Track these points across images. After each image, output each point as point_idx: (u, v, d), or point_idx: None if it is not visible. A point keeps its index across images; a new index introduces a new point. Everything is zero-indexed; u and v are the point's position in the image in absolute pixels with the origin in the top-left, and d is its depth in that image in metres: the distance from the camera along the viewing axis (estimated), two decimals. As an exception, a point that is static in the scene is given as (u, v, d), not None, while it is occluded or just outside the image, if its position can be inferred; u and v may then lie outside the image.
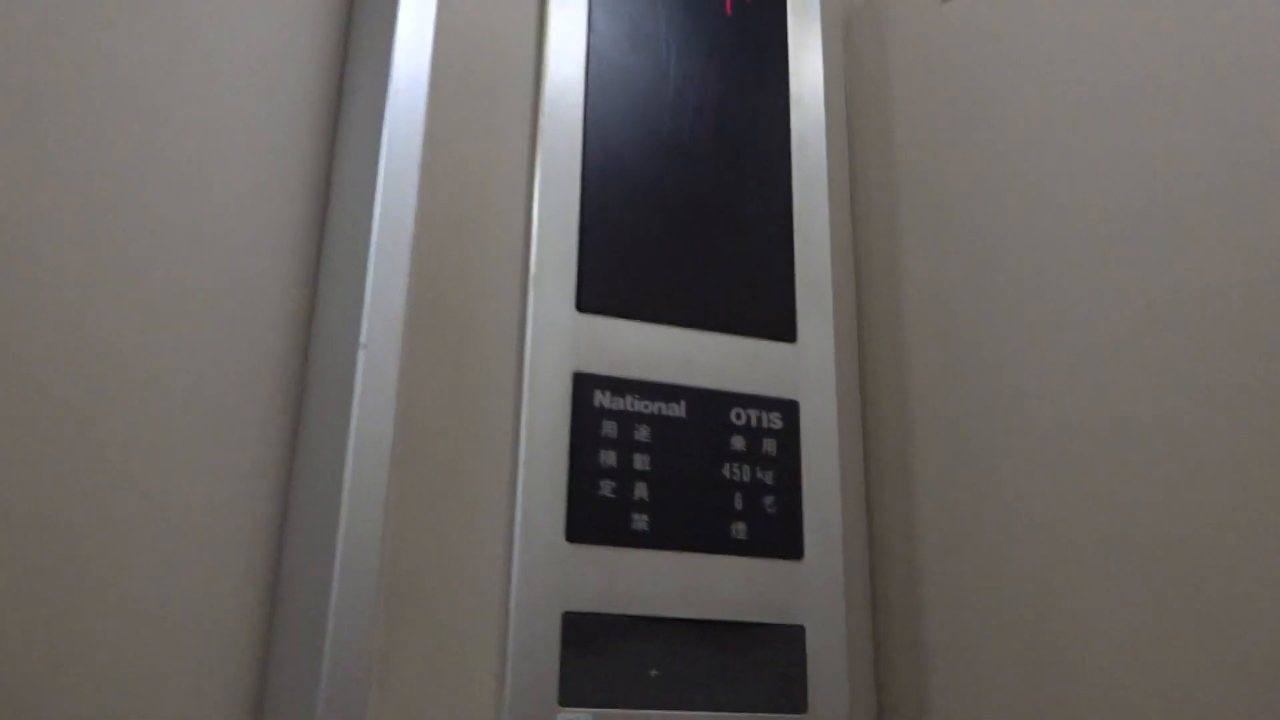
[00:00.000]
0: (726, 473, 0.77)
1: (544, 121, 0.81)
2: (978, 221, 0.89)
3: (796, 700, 0.75)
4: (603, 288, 0.78)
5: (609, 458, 0.74)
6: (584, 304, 0.78)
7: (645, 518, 0.74)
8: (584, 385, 0.76)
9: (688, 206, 0.83)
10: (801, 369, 0.82)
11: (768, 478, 0.78)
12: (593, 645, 0.71)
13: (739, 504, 0.77)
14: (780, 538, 0.77)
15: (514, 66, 0.83)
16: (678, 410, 0.77)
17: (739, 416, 0.79)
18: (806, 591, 0.77)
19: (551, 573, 0.71)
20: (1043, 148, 0.84)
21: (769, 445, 0.79)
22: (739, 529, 0.76)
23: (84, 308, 0.77)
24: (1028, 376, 0.82)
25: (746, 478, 0.78)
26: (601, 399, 0.76)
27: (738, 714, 0.73)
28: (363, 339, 0.71)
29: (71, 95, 0.80)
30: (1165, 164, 0.75)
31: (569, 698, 0.69)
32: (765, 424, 0.79)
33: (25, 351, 0.74)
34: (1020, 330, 0.83)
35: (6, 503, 0.71)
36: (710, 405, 0.78)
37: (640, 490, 0.74)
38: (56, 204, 0.77)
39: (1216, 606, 0.67)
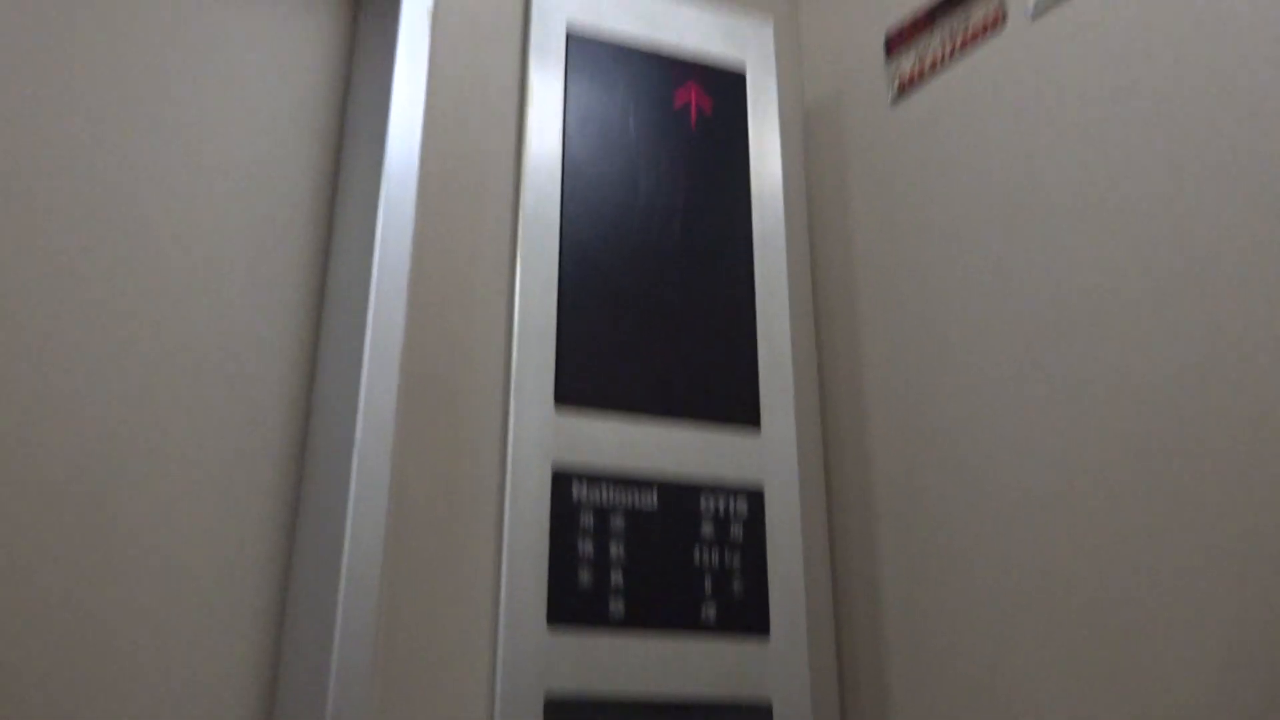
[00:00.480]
0: (696, 558, 0.83)
1: (523, 230, 0.87)
2: (930, 310, 0.95)
3: (766, 772, 0.80)
4: (579, 384, 0.84)
5: (587, 547, 0.80)
6: (562, 400, 0.83)
7: (621, 603, 0.79)
8: (563, 478, 0.81)
9: (657, 305, 0.89)
10: (766, 455, 0.88)
11: (735, 561, 0.84)
12: (573, 725, 0.76)
13: (708, 587, 0.82)
14: (748, 617, 0.83)
15: (495, 180, 0.89)
16: (650, 500, 0.83)
17: (707, 504, 0.85)
18: (773, 668, 0.82)
19: (534, 657, 0.76)
20: (988, 240, 0.91)
21: (736, 530, 0.85)
22: (709, 610, 0.82)
23: (100, 423, 0.82)
24: (980, 455, 0.87)
25: (715, 561, 0.83)
26: (579, 491, 0.81)
27: (711, 787, 0.78)
28: (357, 440, 0.77)
29: (76, 198, 0.86)
30: (1098, 258, 0.81)
31: (552, 776, 0.74)
32: (732, 509, 0.85)
33: (42, 458, 0.79)
34: (972, 413, 0.89)
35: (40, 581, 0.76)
36: (680, 494, 0.84)
37: (616, 577, 0.80)
38: (60, 310, 0.83)
39: (1151, 660, 0.72)
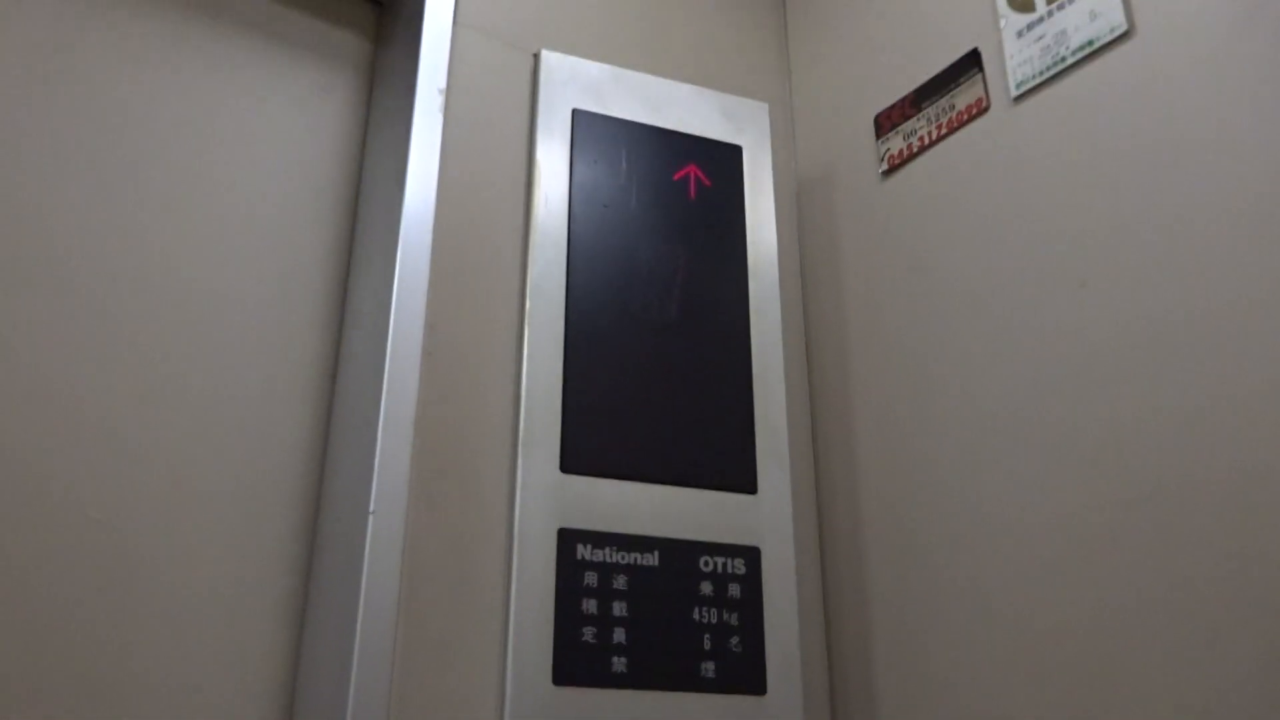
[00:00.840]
0: (696, 615, 0.86)
1: (530, 303, 0.92)
2: (922, 375, 1.00)
3: (763, 827, 0.82)
4: (583, 450, 0.88)
5: (591, 605, 0.83)
6: (567, 465, 0.87)
7: (624, 660, 0.82)
8: (567, 539, 0.85)
9: (659, 374, 0.93)
10: (762, 517, 0.92)
11: (733, 619, 0.87)
12: (577, 781, 0.78)
13: (707, 644, 0.85)
14: (745, 675, 0.86)
15: (503, 250, 0.94)
16: (652, 560, 0.87)
17: (706, 564, 0.88)
18: (770, 725, 0.85)
19: (540, 715, 0.79)
20: (974, 307, 0.95)
21: (734, 589, 0.88)
22: (708, 668, 0.85)
23: (119, 494, 0.86)
24: (968, 516, 0.91)
25: (714, 619, 0.86)
26: (583, 551, 0.85)
27: (710, 841, 0.80)
28: (371, 507, 0.80)
29: (103, 270, 0.90)
30: (1079, 324, 0.86)
31: (556, 830, 0.77)
32: (730, 569, 0.89)
33: (67, 470, 0.83)
34: (961, 475, 0.93)
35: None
36: (681, 554, 0.88)
37: (619, 635, 0.83)
38: (103, 369, 0.87)
39: (1142, 689, 0.75)
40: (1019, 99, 0.96)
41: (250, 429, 0.92)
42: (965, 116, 1.01)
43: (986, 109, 0.99)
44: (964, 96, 1.02)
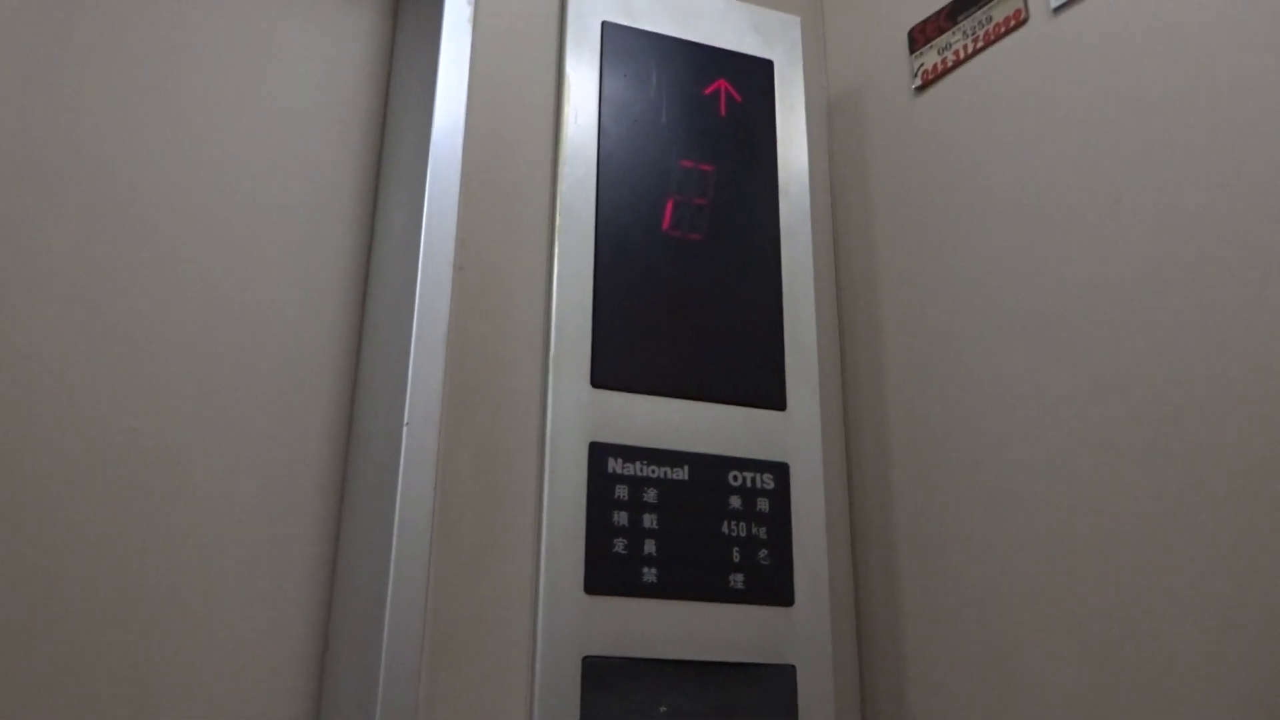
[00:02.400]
0: (725, 529, 0.87)
1: (560, 219, 0.91)
2: (952, 292, 0.99)
3: (790, 732, 0.84)
4: (614, 366, 0.88)
5: (621, 517, 0.84)
6: (598, 380, 0.88)
7: (654, 571, 0.84)
8: (599, 453, 0.86)
9: (689, 291, 0.93)
10: (791, 434, 0.92)
11: (762, 533, 0.88)
12: (610, 686, 0.80)
13: (736, 557, 0.87)
14: (774, 587, 0.87)
15: (534, 167, 0.94)
16: (681, 474, 0.87)
17: (735, 478, 0.89)
18: (797, 635, 0.87)
19: (572, 621, 0.81)
20: (1008, 230, 0.95)
21: (763, 503, 0.89)
22: (737, 579, 0.86)
23: (156, 401, 0.87)
24: (996, 438, 0.91)
25: (743, 533, 0.88)
26: (614, 465, 0.86)
27: (737, 745, 0.82)
28: (406, 418, 0.81)
29: (120, 195, 0.91)
30: (1116, 253, 0.85)
31: (589, 732, 0.79)
32: (759, 484, 0.90)
33: (93, 449, 0.85)
34: (988, 393, 0.93)
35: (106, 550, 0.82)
36: (710, 468, 0.88)
37: (649, 546, 0.84)
38: (109, 302, 0.88)
39: (1162, 650, 0.76)
40: (1059, 9, 0.93)
41: (281, 341, 0.93)
42: (1003, 29, 0.99)
43: (1025, 20, 0.97)
44: (1002, 8, 0.99)
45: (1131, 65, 0.86)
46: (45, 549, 0.81)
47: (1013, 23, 0.98)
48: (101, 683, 0.80)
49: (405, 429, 0.81)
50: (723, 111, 1.01)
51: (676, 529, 0.86)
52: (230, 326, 0.91)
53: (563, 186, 0.93)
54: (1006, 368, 0.92)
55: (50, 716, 0.78)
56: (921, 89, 1.07)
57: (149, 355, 0.87)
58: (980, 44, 1.01)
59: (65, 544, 0.81)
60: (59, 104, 0.89)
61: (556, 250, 0.90)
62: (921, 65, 1.07)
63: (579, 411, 0.86)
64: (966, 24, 1.03)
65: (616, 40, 0.99)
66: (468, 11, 0.95)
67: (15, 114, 0.87)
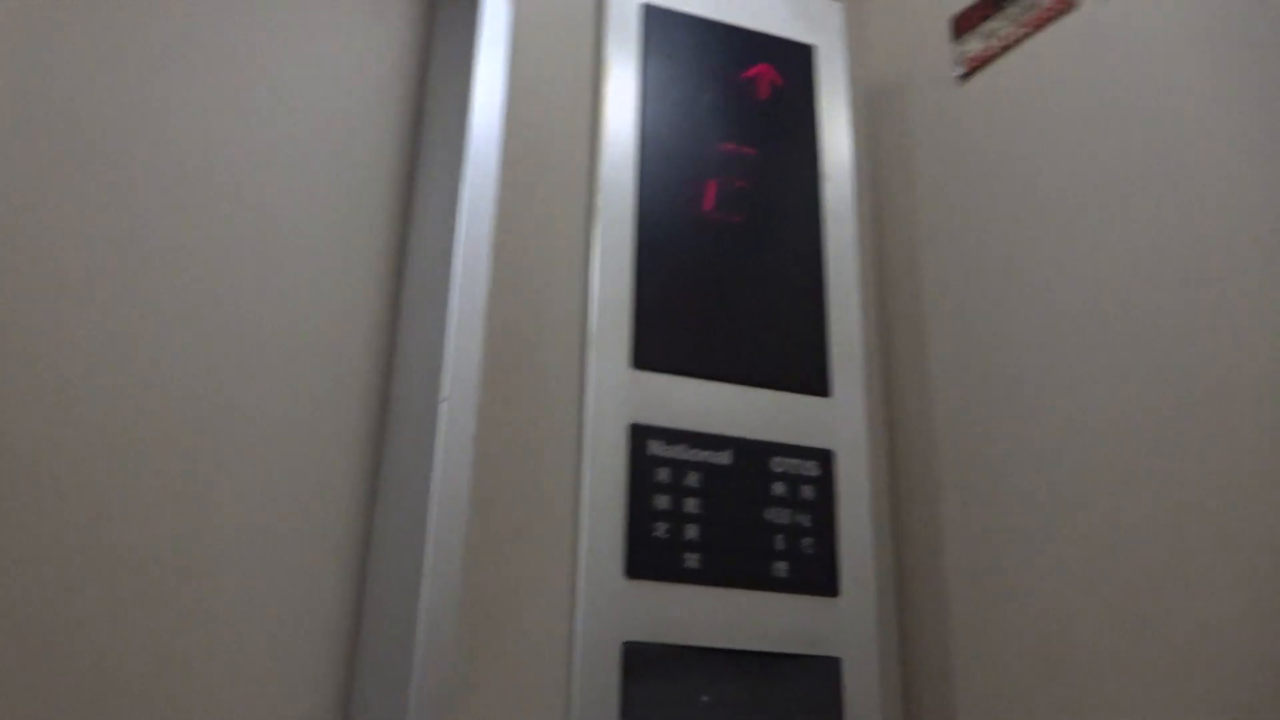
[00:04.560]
0: (768, 516, 0.85)
1: (600, 200, 0.89)
2: (996, 283, 0.97)
3: (834, 726, 0.81)
4: (655, 347, 0.86)
5: (663, 501, 0.82)
6: (639, 361, 0.86)
7: (696, 556, 0.81)
8: (639, 435, 0.83)
9: (730, 274, 0.91)
10: (836, 421, 0.90)
11: (806, 520, 0.86)
12: (650, 672, 0.78)
13: (780, 544, 0.84)
14: (818, 576, 0.84)
15: (574, 148, 0.92)
16: (724, 458, 0.85)
17: (779, 464, 0.87)
18: (842, 626, 0.84)
19: (612, 606, 0.79)
20: (1055, 218, 0.92)
21: (807, 491, 0.87)
22: (780, 568, 0.84)
23: (189, 377, 0.86)
24: (1042, 429, 0.89)
25: (786, 520, 0.85)
26: (655, 447, 0.84)
27: (781, 738, 0.80)
28: (444, 393, 0.79)
29: (167, 178, 0.89)
30: (1169, 242, 0.83)
31: (629, 720, 0.76)
32: (803, 471, 0.87)
33: (127, 428, 0.83)
34: (1038, 384, 0.91)
35: (136, 545, 0.80)
36: (753, 454, 0.86)
37: (691, 531, 0.82)
38: (150, 282, 0.87)
39: (1222, 593, 0.73)
40: (1111, -8, 0.92)
41: (318, 317, 0.91)
42: (1050, 13, 0.97)
43: (1074, 5, 0.95)
44: (1050, -8, 0.98)
45: (1187, 49, 0.84)
46: (78, 534, 0.79)
47: (1060, 7, 0.96)
48: (132, 661, 0.78)
49: (443, 405, 0.79)
50: (764, 95, 0.99)
51: (719, 514, 0.83)
52: (266, 309, 0.90)
53: (603, 166, 0.91)
54: (1056, 359, 0.90)
55: (82, 707, 0.76)
56: (965, 76, 1.05)
57: (186, 336, 0.86)
58: (1027, 30, 0.99)
59: (98, 521, 0.79)
60: (96, 102, 0.88)
61: (597, 229, 0.89)
62: (965, 52, 1.06)
63: (619, 392, 0.84)
64: (1012, 9, 1.01)
65: (657, 23, 0.97)
66: (508, -10, 0.94)
67: (59, 113, 0.86)
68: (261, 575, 0.84)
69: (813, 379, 0.91)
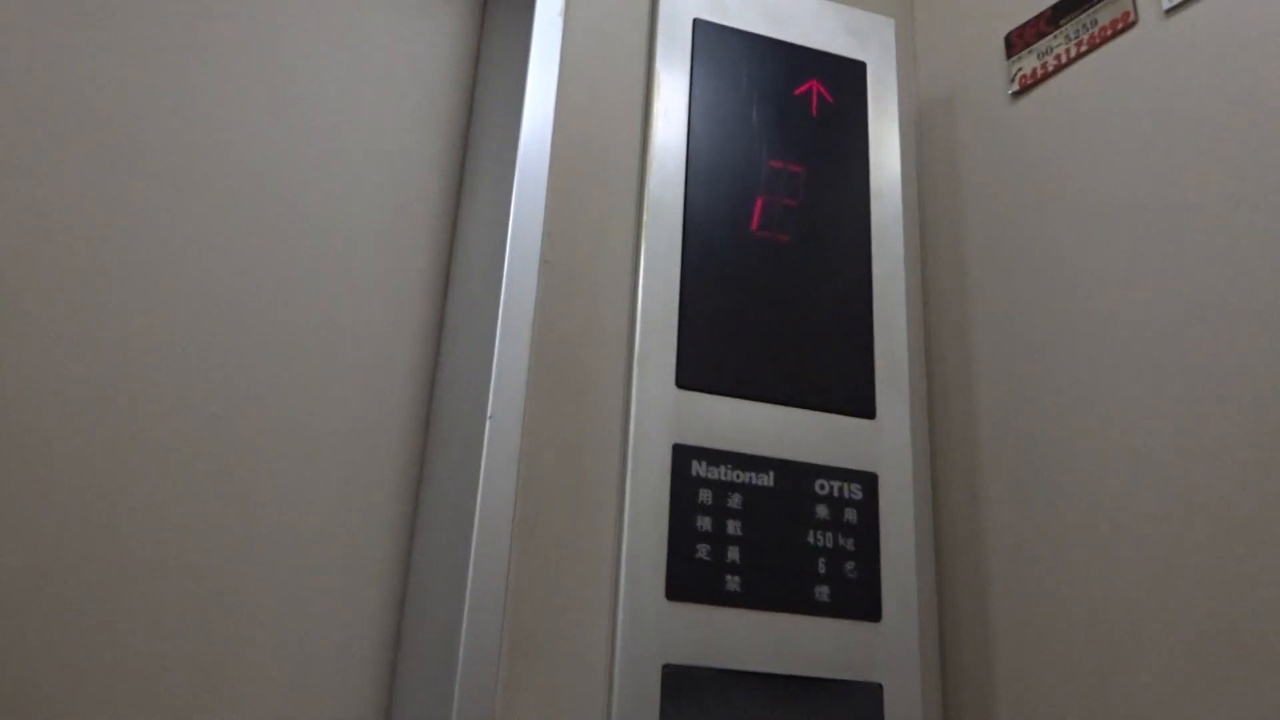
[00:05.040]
0: (811, 539, 0.84)
1: (648, 216, 0.89)
2: (1044, 306, 0.95)
3: (874, 753, 0.81)
4: (700, 367, 0.86)
5: (705, 522, 0.82)
6: (683, 381, 0.85)
7: (738, 579, 0.81)
8: (682, 455, 0.83)
9: (777, 293, 0.90)
10: (881, 444, 0.89)
11: (849, 544, 0.85)
12: (690, 696, 0.78)
13: (822, 568, 0.84)
14: (860, 600, 0.84)
15: (623, 163, 0.92)
16: (767, 480, 0.85)
17: (822, 487, 0.86)
18: (884, 652, 0.83)
19: (652, 628, 0.78)
20: (1109, 240, 0.91)
21: (850, 514, 0.86)
22: (822, 591, 0.83)
23: (235, 391, 0.86)
24: (1088, 454, 0.87)
25: (829, 544, 0.84)
26: (698, 468, 0.83)
27: (820, 764, 0.79)
28: (489, 411, 0.80)
29: (218, 183, 0.90)
30: (1227, 265, 0.81)
31: (668, 743, 0.76)
32: (847, 494, 0.86)
33: (176, 430, 0.84)
34: (1085, 406, 0.89)
35: (181, 558, 0.81)
36: (797, 476, 0.85)
37: (733, 553, 0.82)
38: (200, 284, 0.88)
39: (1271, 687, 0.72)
40: (1172, 10, 0.90)
41: (360, 339, 0.92)
42: (1109, 32, 0.96)
43: (1134, 23, 0.93)
44: (1108, 10, 0.96)
45: (1250, 67, 0.82)
46: (128, 537, 0.80)
47: (1120, 25, 0.95)
48: (175, 675, 0.79)
49: (489, 422, 0.79)
50: (814, 112, 0.98)
51: (761, 537, 0.83)
52: (311, 321, 0.90)
53: (651, 183, 0.91)
54: (1105, 382, 0.88)
55: (125, 704, 0.77)
56: (1018, 94, 1.04)
57: (231, 347, 0.87)
58: (1084, 48, 0.98)
59: (144, 535, 0.81)
60: (144, 104, 0.89)
61: (643, 247, 0.88)
62: (1019, 70, 1.04)
63: (663, 412, 0.84)
64: (1069, 27, 0.99)
65: (708, 38, 0.97)
66: (558, 6, 0.94)
67: (110, 115, 0.88)
68: (303, 590, 0.84)
69: (858, 401, 0.90)
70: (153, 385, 0.83)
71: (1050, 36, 1.01)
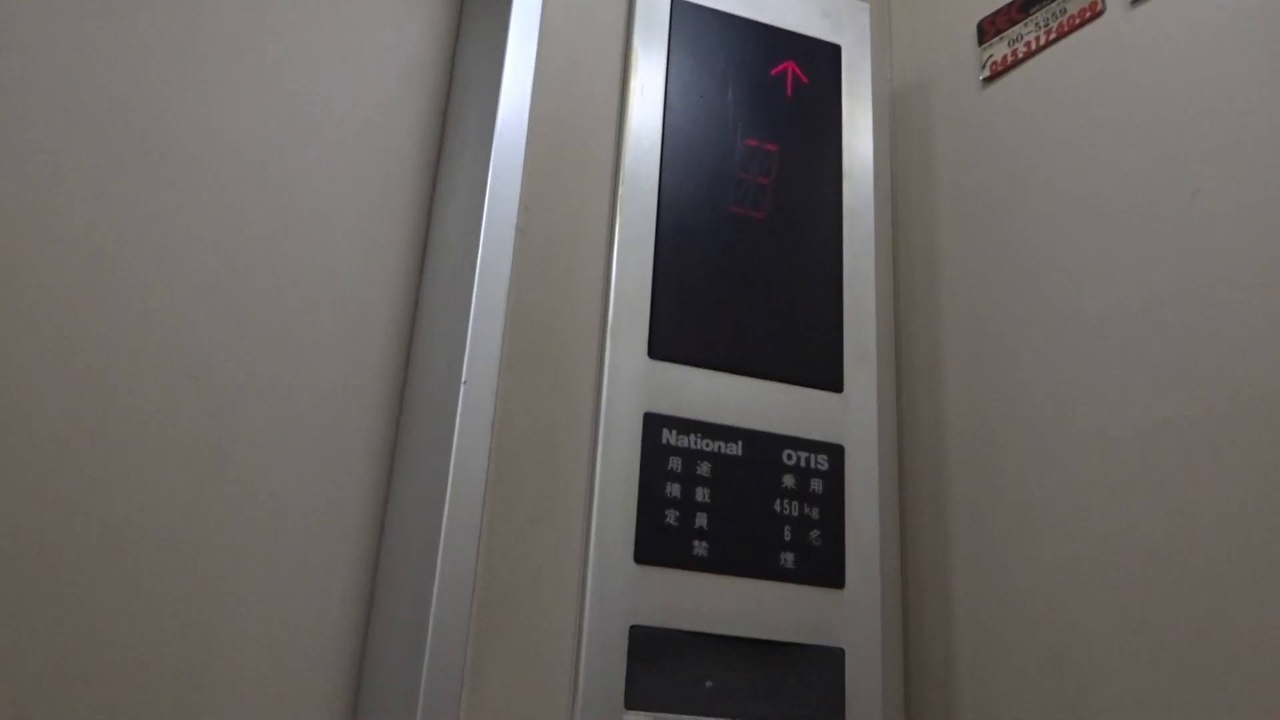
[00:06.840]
0: (777, 507, 0.86)
1: (623, 190, 0.91)
2: (1012, 287, 0.98)
3: (835, 717, 0.83)
4: (672, 338, 0.88)
5: (674, 489, 0.84)
6: (655, 352, 0.87)
7: (705, 544, 0.83)
8: (653, 424, 0.85)
9: (749, 268, 0.92)
10: (847, 416, 0.91)
11: (814, 513, 0.87)
12: (656, 657, 0.79)
13: (788, 535, 0.86)
14: (824, 568, 0.86)
15: (600, 140, 0.93)
16: (735, 449, 0.87)
17: (790, 457, 0.88)
18: (847, 617, 0.85)
19: (621, 590, 0.80)
20: (1076, 224, 0.93)
21: (816, 484, 0.88)
22: (787, 558, 0.85)
23: (213, 357, 0.88)
24: (1053, 426, 0.90)
25: (795, 512, 0.86)
26: (669, 436, 0.85)
27: (782, 725, 0.81)
28: (464, 377, 0.81)
29: (197, 155, 0.91)
30: (1191, 251, 0.83)
31: (634, 702, 0.78)
32: (813, 465, 0.88)
33: (151, 402, 0.85)
34: (1050, 388, 0.91)
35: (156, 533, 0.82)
36: (765, 446, 0.87)
37: (701, 519, 0.84)
38: (179, 255, 0.89)
39: (1238, 607, 0.74)
40: (1138, 1, 0.92)
41: (340, 301, 0.93)
42: (1077, 21, 0.98)
43: (1102, 12, 0.96)
44: (1077, 0, 0.98)
45: (1215, 58, 0.85)
46: (94, 517, 0.81)
47: (1088, 14, 0.97)
48: (143, 643, 0.80)
49: (463, 388, 0.81)
50: (789, 93, 1.00)
51: (729, 504, 0.85)
52: (288, 293, 0.92)
53: (626, 158, 0.92)
54: (1069, 363, 0.90)
55: (95, 690, 0.78)
56: (989, 81, 1.06)
57: (206, 319, 0.88)
58: (1053, 36, 1.00)
59: (112, 499, 0.82)
60: (127, 93, 0.90)
61: (619, 220, 0.90)
62: (990, 57, 1.06)
63: (635, 382, 0.86)
64: (1039, 16, 1.02)
65: (685, 17, 0.99)
66: (539, -18, 0.95)
67: (92, 104, 0.88)
68: (277, 552, 0.86)
69: (826, 374, 0.92)
70: (127, 351, 0.84)
71: (1021, 24, 1.04)
